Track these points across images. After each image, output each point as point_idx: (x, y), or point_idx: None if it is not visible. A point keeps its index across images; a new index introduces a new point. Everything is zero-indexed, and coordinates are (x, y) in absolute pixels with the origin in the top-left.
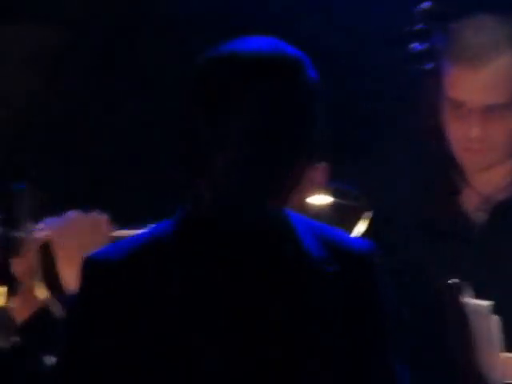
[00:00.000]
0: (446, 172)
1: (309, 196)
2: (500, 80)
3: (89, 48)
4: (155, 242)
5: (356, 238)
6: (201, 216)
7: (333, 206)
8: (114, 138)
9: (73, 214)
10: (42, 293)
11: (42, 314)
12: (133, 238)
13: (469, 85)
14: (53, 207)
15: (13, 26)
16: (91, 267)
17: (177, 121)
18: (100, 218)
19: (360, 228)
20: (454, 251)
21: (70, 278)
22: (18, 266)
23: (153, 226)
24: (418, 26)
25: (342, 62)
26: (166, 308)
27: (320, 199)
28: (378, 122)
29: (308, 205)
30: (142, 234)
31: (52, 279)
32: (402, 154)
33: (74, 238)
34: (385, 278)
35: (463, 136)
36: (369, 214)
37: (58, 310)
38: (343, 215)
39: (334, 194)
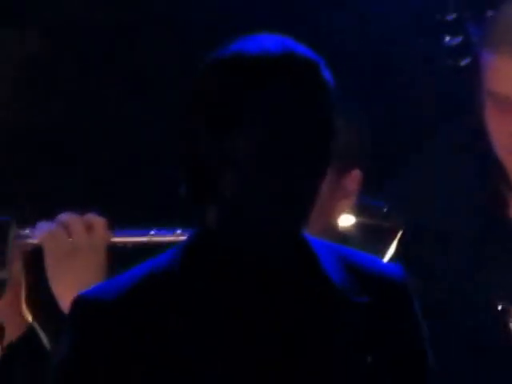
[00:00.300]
0: (491, 183)
1: (339, 212)
2: None
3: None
4: (158, 277)
5: (388, 264)
6: (211, 246)
7: (359, 226)
8: (114, 138)
9: (65, 216)
10: (27, 315)
11: (26, 340)
12: (131, 272)
13: None
14: (44, 215)
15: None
16: (82, 309)
17: (177, 127)
18: (96, 220)
19: (392, 251)
20: (504, 270)
21: (62, 291)
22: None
23: (152, 258)
24: (451, 17)
25: (365, 62)
26: (172, 360)
27: (345, 219)
28: (416, 129)
29: (332, 226)
30: (142, 268)
31: (38, 297)
32: (444, 164)
33: (67, 243)
34: (419, 310)
35: (509, 135)
36: (402, 235)
37: (43, 338)
38: (372, 237)
39: (360, 213)
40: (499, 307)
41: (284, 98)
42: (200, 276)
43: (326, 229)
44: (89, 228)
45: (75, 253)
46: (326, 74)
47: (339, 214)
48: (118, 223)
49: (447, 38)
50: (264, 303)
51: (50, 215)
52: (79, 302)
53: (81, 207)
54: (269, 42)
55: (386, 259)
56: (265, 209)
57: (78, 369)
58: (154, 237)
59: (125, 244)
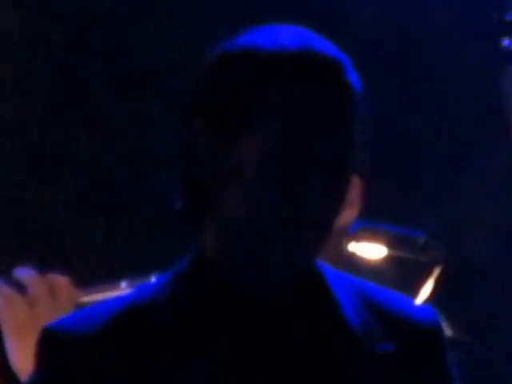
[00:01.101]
0: None
1: (345, 226)
2: None
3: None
4: (139, 308)
5: (418, 306)
6: (205, 277)
7: (391, 259)
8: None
9: (22, 277)
10: None
11: None
12: (108, 302)
13: None
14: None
15: None
16: (50, 342)
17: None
18: (60, 280)
19: (428, 291)
20: None
21: (23, 363)
22: None
23: (134, 287)
24: (510, 16)
25: (401, 69)
26: None
27: (373, 250)
28: (460, 146)
29: (352, 255)
30: (121, 298)
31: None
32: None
33: (26, 311)
34: (454, 362)
35: None
36: (441, 271)
37: None
38: (405, 272)
39: (392, 244)
40: None
41: (300, 103)
42: (189, 313)
43: (337, 251)
44: (52, 290)
45: (38, 321)
46: (352, 77)
47: (345, 229)
48: (87, 282)
49: (505, 41)
50: (265, 351)
51: None
52: (47, 336)
53: (36, 263)
54: (286, 35)
55: (419, 300)
56: (271, 235)
57: None
58: (126, 289)
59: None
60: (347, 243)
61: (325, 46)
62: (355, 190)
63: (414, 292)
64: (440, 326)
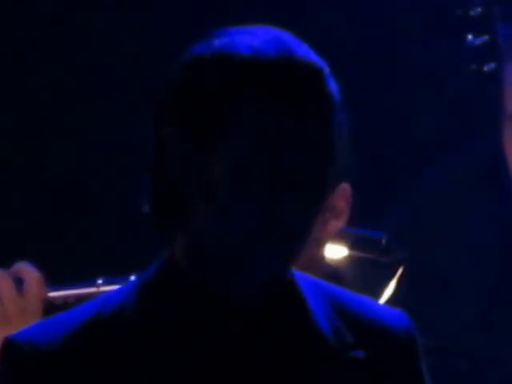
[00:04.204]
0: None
1: (327, 238)
2: None
3: None
4: (106, 317)
5: (389, 309)
6: (173, 283)
7: (352, 260)
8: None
9: None
10: None
11: None
12: (76, 310)
13: None
14: None
15: None
16: (12, 354)
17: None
18: (28, 273)
19: (389, 292)
20: None
21: None
22: None
23: (102, 290)
24: (476, 12)
25: (370, 66)
26: None
27: (335, 251)
28: (428, 144)
29: (320, 257)
30: (88, 306)
31: None
32: (453, 192)
33: None
34: (426, 368)
35: None
36: (403, 273)
37: None
38: (366, 273)
39: (353, 244)
40: None
41: (277, 115)
42: (156, 320)
43: (312, 260)
44: (19, 285)
45: (3, 320)
46: (331, 85)
47: (328, 240)
48: (53, 273)
49: (470, 38)
50: (234, 359)
51: None
52: (9, 347)
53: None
54: (263, 39)
55: (381, 301)
56: (244, 246)
57: None
58: (102, 287)
59: (65, 300)
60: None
61: (304, 52)
62: (344, 199)
63: (375, 293)
64: (413, 331)
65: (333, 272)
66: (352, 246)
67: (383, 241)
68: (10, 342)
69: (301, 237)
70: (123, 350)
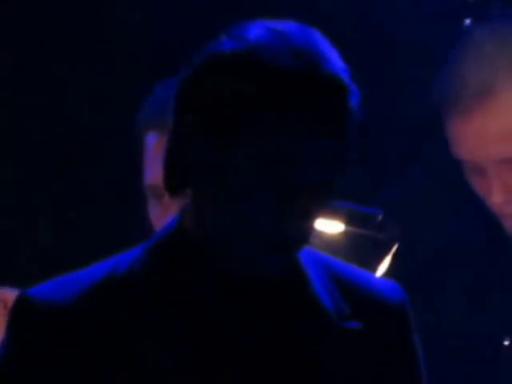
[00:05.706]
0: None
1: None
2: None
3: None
4: (118, 278)
5: (384, 282)
6: (182, 246)
7: (348, 235)
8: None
9: None
10: None
11: None
12: (87, 270)
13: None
14: None
15: None
16: (27, 311)
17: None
18: (11, 296)
19: (384, 267)
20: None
21: None
22: None
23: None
24: None
25: (364, 54)
26: (124, 375)
27: (330, 226)
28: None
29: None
30: (99, 266)
31: None
32: (448, 172)
33: None
34: (418, 338)
35: (490, 201)
36: (397, 248)
37: None
38: (362, 248)
39: (350, 220)
40: (506, 342)
41: (296, 128)
42: (165, 281)
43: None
44: (4, 307)
45: None
46: (351, 101)
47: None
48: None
49: (467, 23)
50: (239, 323)
51: None
52: (22, 303)
53: None
54: (287, 46)
55: (377, 275)
56: (255, 242)
57: (13, 373)
58: None
59: None
60: None
61: (332, 64)
62: None
63: (370, 269)
64: (406, 304)
65: (327, 246)
66: (348, 221)
67: (379, 217)
68: (23, 298)
69: (306, 240)
70: (133, 309)
